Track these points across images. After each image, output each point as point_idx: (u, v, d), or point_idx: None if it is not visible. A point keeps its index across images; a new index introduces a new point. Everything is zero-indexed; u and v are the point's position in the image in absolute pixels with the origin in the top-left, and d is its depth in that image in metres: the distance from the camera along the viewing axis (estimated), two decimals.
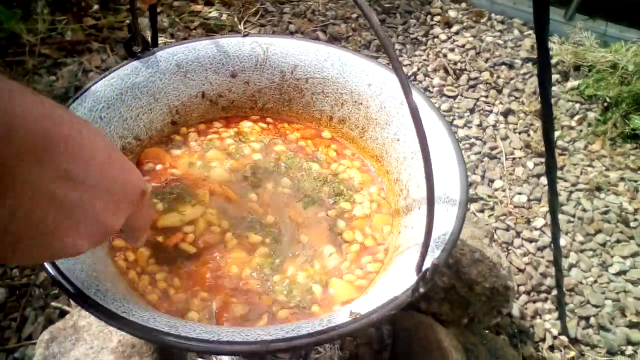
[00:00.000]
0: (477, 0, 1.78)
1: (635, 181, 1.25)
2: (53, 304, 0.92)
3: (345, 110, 0.80)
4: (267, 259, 0.62)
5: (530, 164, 1.28)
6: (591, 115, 1.40)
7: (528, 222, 1.15)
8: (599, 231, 1.14)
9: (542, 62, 0.68)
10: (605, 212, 1.18)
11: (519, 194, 1.21)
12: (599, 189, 1.23)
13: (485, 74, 1.51)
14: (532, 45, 1.61)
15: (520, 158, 1.29)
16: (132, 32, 0.69)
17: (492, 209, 1.17)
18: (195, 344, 0.43)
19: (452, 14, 1.73)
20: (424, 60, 1.56)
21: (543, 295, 1.02)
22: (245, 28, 1.59)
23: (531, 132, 1.36)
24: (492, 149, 1.31)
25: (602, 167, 1.28)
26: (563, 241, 1.10)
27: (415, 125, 0.40)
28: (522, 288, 1.03)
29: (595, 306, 1.01)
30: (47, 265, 0.46)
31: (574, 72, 1.52)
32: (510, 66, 1.55)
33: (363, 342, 0.82)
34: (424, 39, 1.62)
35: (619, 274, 1.06)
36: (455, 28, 1.67)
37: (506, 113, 1.41)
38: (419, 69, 1.50)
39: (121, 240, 0.60)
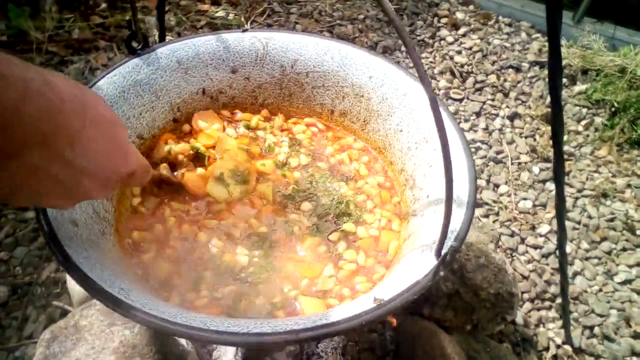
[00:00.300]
0: (485, 3, 1.77)
1: None
2: (55, 303, 0.92)
3: (347, 103, 0.79)
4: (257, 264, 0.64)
5: (536, 169, 1.27)
6: (598, 120, 1.39)
7: (533, 228, 1.14)
8: (604, 239, 1.13)
9: (554, 65, 0.67)
10: (611, 220, 1.16)
11: (524, 199, 1.20)
12: (605, 195, 1.21)
13: (492, 77, 1.50)
14: (539, 49, 1.60)
15: (526, 163, 1.28)
16: (132, 29, 0.68)
17: (497, 214, 1.16)
18: (226, 337, 0.44)
19: (459, 16, 1.72)
20: (431, 62, 1.55)
21: (547, 303, 1.01)
22: (252, 28, 1.59)
23: (537, 137, 1.35)
24: (498, 153, 1.30)
25: (609, 173, 1.27)
26: (568, 248, 1.09)
27: (434, 114, 0.41)
28: (526, 295, 1.02)
29: (600, 315, 1.00)
30: (71, 272, 0.47)
31: (582, 75, 1.50)
32: (518, 69, 1.54)
33: (365, 347, 0.81)
34: (430, 41, 1.61)
35: (624, 283, 1.05)
36: (462, 30, 1.66)
37: (512, 117, 1.40)
38: (425, 71, 1.50)
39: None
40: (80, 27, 1.50)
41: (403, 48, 1.59)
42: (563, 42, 1.59)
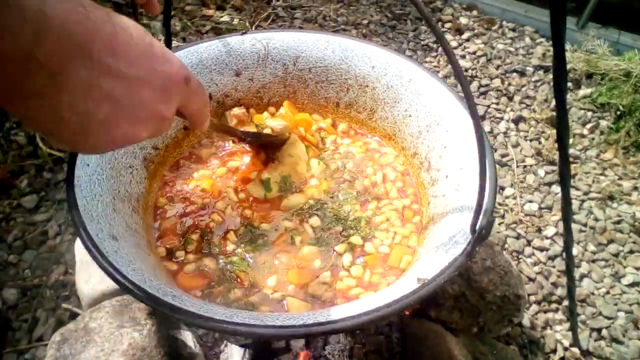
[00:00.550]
0: (489, 8, 1.78)
1: None
2: (64, 305, 0.93)
3: (351, 94, 0.80)
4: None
5: (541, 172, 1.27)
6: (603, 123, 1.39)
7: (539, 230, 1.14)
8: (611, 241, 1.13)
9: (559, 69, 0.68)
10: (618, 222, 1.16)
11: (530, 202, 1.20)
12: (611, 198, 1.21)
13: (497, 81, 1.51)
14: (543, 53, 1.61)
15: (531, 166, 1.28)
16: None
17: (503, 217, 1.16)
18: (281, 331, 0.45)
19: (463, 21, 1.73)
20: (435, 66, 1.55)
21: (554, 306, 1.01)
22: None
23: (542, 140, 1.35)
24: (503, 156, 1.30)
25: (615, 176, 1.27)
26: (575, 251, 1.09)
27: (467, 98, 0.42)
28: (532, 298, 1.02)
29: (608, 318, 0.99)
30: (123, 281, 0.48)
31: (586, 80, 1.51)
32: (522, 73, 1.54)
33: (372, 349, 0.81)
34: (434, 46, 1.62)
35: (632, 285, 1.05)
36: (466, 35, 1.67)
37: (517, 120, 1.40)
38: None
39: None
40: None
41: (408, 52, 1.60)
42: (567, 46, 1.59)
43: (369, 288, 0.63)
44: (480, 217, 0.49)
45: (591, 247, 1.11)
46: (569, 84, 1.50)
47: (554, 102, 1.37)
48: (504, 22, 1.74)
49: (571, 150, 1.32)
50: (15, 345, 0.88)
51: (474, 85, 1.49)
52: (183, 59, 0.76)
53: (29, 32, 0.28)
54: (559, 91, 0.70)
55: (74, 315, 0.90)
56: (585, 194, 1.22)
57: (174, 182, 0.75)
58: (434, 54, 1.59)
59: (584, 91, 1.48)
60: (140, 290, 0.47)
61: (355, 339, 0.81)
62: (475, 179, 0.54)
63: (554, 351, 0.94)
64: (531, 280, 1.05)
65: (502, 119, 1.40)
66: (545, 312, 1.00)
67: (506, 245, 1.10)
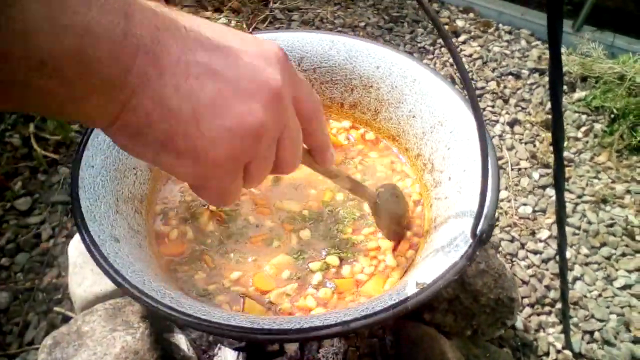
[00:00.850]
0: (485, 11, 1.79)
1: None
2: (56, 309, 0.93)
3: (356, 95, 0.80)
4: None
5: (535, 175, 1.27)
6: (598, 126, 1.40)
7: (533, 233, 1.14)
8: (604, 244, 1.13)
9: (555, 72, 0.68)
10: (611, 225, 1.17)
11: (524, 205, 1.20)
12: (604, 201, 1.22)
13: (492, 83, 1.51)
14: (539, 56, 1.61)
15: (525, 169, 1.29)
16: None
17: (497, 219, 1.17)
18: (286, 335, 0.45)
19: (459, 23, 1.73)
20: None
21: (547, 309, 1.02)
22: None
23: (537, 143, 1.35)
24: (498, 159, 1.31)
25: (608, 179, 1.27)
26: (568, 254, 1.09)
27: (471, 101, 0.42)
28: (526, 300, 1.02)
29: (600, 320, 1.00)
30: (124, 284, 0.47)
31: (581, 83, 1.51)
32: (517, 76, 1.55)
33: (366, 352, 0.81)
34: (431, 48, 1.62)
35: (624, 288, 1.05)
36: (462, 37, 1.67)
37: (512, 123, 1.40)
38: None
39: None
40: None
41: None
42: (563, 49, 1.59)
43: (330, 307, 0.62)
44: (482, 221, 0.48)
45: (584, 250, 1.12)
46: (564, 87, 1.51)
47: (549, 105, 1.38)
48: (500, 25, 1.74)
49: (565, 153, 1.32)
50: (5, 349, 0.88)
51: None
52: None
53: (118, 9, 0.26)
54: (555, 94, 0.70)
55: (66, 319, 0.90)
56: (579, 197, 1.23)
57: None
58: (430, 56, 1.60)
59: (578, 94, 1.48)
60: (141, 292, 0.47)
61: (349, 342, 0.81)
62: (477, 181, 0.54)
63: (547, 354, 0.95)
64: (525, 283, 1.05)
65: (497, 121, 1.41)
66: (538, 314, 1.01)
67: (500, 248, 1.11)
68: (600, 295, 1.04)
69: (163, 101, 0.28)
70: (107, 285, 0.80)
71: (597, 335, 0.98)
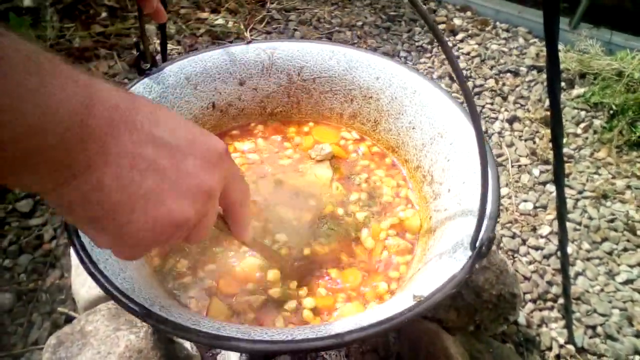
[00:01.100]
0: (482, 9, 1.79)
1: None
2: (59, 309, 0.93)
3: (355, 105, 0.80)
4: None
5: (536, 172, 1.27)
6: (597, 122, 1.40)
7: (534, 229, 1.15)
8: (605, 239, 1.13)
9: (552, 69, 0.68)
10: (612, 220, 1.17)
11: (525, 201, 1.21)
12: (605, 196, 1.22)
13: (491, 81, 1.52)
14: (537, 53, 1.62)
15: (526, 165, 1.29)
16: (140, 50, 0.69)
17: (499, 216, 1.17)
18: (272, 346, 0.44)
19: (457, 22, 1.74)
20: (429, 67, 1.56)
21: (549, 304, 1.02)
22: (251, 35, 1.60)
23: (537, 140, 1.36)
24: (498, 156, 1.31)
25: (609, 174, 1.28)
26: (569, 249, 1.10)
27: (469, 106, 0.41)
28: (528, 296, 1.02)
29: (602, 315, 1.00)
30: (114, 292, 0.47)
31: (580, 79, 1.52)
32: (516, 74, 1.55)
33: (369, 348, 0.82)
34: (429, 47, 1.63)
35: (626, 282, 1.06)
36: (460, 36, 1.68)
37: (512, 120, 1.41)
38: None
39: None
40: (81, 36, 1.52)
41: (402, 54, 1.60)
42: (560, 46, 1.60)
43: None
44: (481, 233, 0.48)
45: (585, 246, 1.12)
46: (563, 84, 1.51)
47: (547, 102, 1.39)
48: (498, 23, 1.75)
49: (565, 150, 1.33)
50: (10, 349, 0.88)
51: (468, 86, 1.50)
52: (187, 67, 0.75)
53: (81, 100, 0.28)
54: (553, 91, 0.71)
55: (69, 319, 0.90)
56: (580, 192, 1.23)
57: None
58: (428, 54, 1.60)
59: (577, 91, 1.49)
60: (129, 299, 0.46)
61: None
62: (477, 193, 0.54)
63: (550, 348, 0.95)
64: (526, 279, 1.05)
65: (496, 119, 1.41)
66: (540, 310, 1.01)
67: (501, 245, 1.11)
68: (602, 290, 1.05)
69: (102, 187, 0.31)
70: None
71: (599, 329, 0.98)
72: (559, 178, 0.79)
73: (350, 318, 0.48)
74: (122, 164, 0.31)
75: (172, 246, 0.65)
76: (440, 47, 1.61)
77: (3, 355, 0.87)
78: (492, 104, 1.45)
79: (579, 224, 1.16)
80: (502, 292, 0.83)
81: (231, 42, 1.58)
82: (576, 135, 1.38)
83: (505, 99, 1.47)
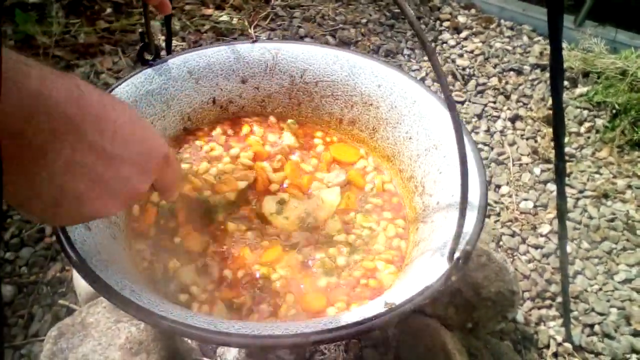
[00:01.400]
0: (487, 7, 1.79)
1: None
2: (60, 301, 0.94)
3: (355, 111, 0.80)
4: None
5: (537, 170, 1.28)
6: (599, 122, 1.40)
7: (534, 228, 1.15)
8: (605, 239, 1.14)
9: (556, 67, 0.68)
10: (612, 220, 1.17)
11: (525, 200, 1.21)
12: (605, 196, 1.22)
13: (494, 79, 1.52)
14: (540, 52, 1.61)
15: (527, 164, 1.29)
16: (145, 41, 0.70)
17: (499, 214, 1.17)
18: (236, 339, 0.44)
19: (461, 19, 1.73)
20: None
21: (548, 302, 1.02)
22: (255, 32, 1.60)
23: (539, 139, 1.36)
24: (500, 154, 1.31)
25: (610, 174, 1.28)
26: (569, 248, 1.10)
27: (453, 119, 0.42)
28: (526, 294, 1.03)
29: (600, 314, 1.00)
30: (83, 274, 0.48)
31: (583, 78, 1.51)
32: (519, 72, 1.55)
33: (368, 344, 0.82)
34: (432, 44, 1.63)
35: (624, 282, 1.06)
36: (464, 34, 1.67)
37: (514, 119, 1.41)
38: (427, 74, 1.51)
39: None
40: (86, 32, 1.52)
41: (406, 51, 1.60)
42: (564, 45, 1.60)
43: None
44: (460, 245, 0.47)
45: (585, 245, 1.12)
46: (566, 83, 1.51)
47: (550, 101, 1.39)
48: (502, 21, 1.74)
49: (567, 149, 1.33)
50: (11, 341, 0.89)
51: (471, 84, 1.50)
52: (191, 61, 0.76)
53: (23, 113, 0.30)
54: (556, 89, 0.71)
55: (70, 311, 0.91)
56: (580, 192, 1.23)
57: None
58: None
59: (580, 90, 1.49)
60: (96, 278, 0.47)
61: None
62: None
63: (547, 346, 0.95)
64: (525, 277, 1.05)
65: (499, 117, 1.41)
66: (539, 308, 1.01)
67: (501, 243, 1.11)
68: (600, 289, 1.05)
69: (33, 187, 0.33)
70: None
71: (597, 328, 0.98)
72: (560, 177, 0.79)
73: (321, 319, 0.48)
74: (58, 170, 0.33)
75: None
76: (439, 47, 1.60)
77: (4, 346, 0.88)
78: (494, 102, 1.45)
79: (579, 223, 1.17)
80: (500, 289, 0.83)
81: (235, 38, 1.59)
82: (578, 134, 1.38)
83: (508, 97, 1.47)
